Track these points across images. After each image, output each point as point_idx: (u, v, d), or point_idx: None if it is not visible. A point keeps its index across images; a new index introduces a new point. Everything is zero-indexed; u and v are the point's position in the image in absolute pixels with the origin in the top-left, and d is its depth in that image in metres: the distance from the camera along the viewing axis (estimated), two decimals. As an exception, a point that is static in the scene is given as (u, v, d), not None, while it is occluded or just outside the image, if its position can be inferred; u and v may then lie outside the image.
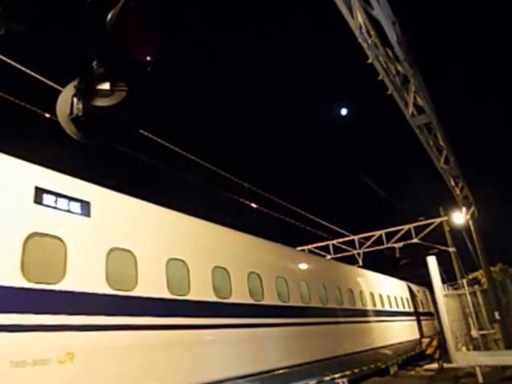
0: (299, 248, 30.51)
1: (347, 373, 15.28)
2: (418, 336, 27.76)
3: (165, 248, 9.99)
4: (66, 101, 3.52)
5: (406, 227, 29.24)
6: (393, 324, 24.48)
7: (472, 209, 21.59)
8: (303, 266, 17.17)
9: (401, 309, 26.83)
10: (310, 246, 32.70)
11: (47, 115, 11.45)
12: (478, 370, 16.58)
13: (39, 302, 6.90)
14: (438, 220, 28.78)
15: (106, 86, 3.35)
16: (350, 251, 31.88)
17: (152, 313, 8.92)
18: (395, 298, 26.09)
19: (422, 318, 31.22)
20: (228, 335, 10.94)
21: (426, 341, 21.69)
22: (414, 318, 29.35)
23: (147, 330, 8.64)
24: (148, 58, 3.34)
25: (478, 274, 23.79)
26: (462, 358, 18.42)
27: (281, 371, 12.20)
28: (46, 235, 7.42)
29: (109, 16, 3.13)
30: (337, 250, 32.17)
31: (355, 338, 19.03)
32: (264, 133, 36.91)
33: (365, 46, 10.43)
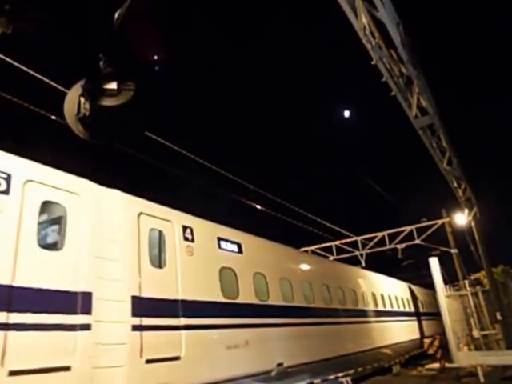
0: (302, 249, 30.62)
1: (350, 372, 15.43)
2: (420, 336, 27.97)
3: (279, 271, 14.52)
4: (74, 100, 3.54)
5: (408, 228, 29.28)
6: (396, 324, 24.69)
7: (474, 210, 21.66)
8: (314, 270, 18.32)
9: (403, 309, 27.04)
10: (313, 247, 32.76)
11: (53, 117, 11.62)
12: (479, 370, 16.60)
13: (231, 310, 11.34)
14: (440, 221, 28.82)
15: (112, 85, 3.36)
16: (352, 252, 31.97)
17: (278, 314, 13.33)
18: (396, 299, 26.41)
19: (427, 318, 31.54)
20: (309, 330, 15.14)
21: (427, 341, 21.69)
22: (418, 318, 29.59)
23: (279, 327, 13.13)
24: (155, 57, 3.36)
25: (480, 274, 23.84)
26: (464, 357, 18.50)
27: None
28: (227, 268, 11.74)
29: (116, 15, 3.15)
30: (340, 250, 32.24)
31: (362, 338, 19.87)
32: (268, 135, 36.99)
33: (369, 47, 10.46)
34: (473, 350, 19.31)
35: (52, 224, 8.23)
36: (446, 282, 22.62)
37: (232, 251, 12.27)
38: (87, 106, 3.41)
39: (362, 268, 28.17)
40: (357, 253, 31.69)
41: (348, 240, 32.12)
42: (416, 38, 11.07)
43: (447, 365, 19.96)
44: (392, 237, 30.16)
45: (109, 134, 3.76)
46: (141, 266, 8.91)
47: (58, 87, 10.30)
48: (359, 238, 31.83)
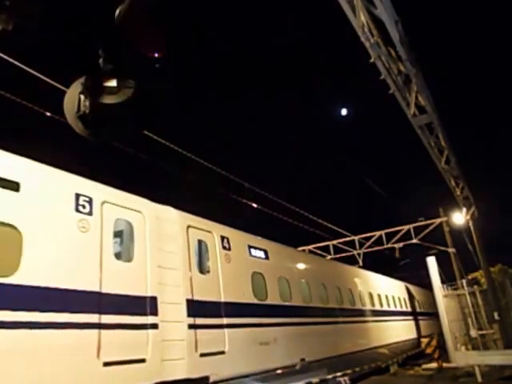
0: (300, 248, 30.53)
1: (348, 371, 15.51)
2: (418, 335, 27.99)
3: (298, 274, 16.23)
4: (73, 98, 3.50)
5: (405, 228, 29.25)
6: (395, 324, 24.77)
7: (472, 209, 21.61)
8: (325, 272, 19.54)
9: (401, 309, 27.07)
10: (310, 247, 32.69)
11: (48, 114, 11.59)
12: (476, 370, 16.57)
13: (262, 311, 12.77)
14: (437, 220, 28.79)
15: (113, 83, 3.34)
16: (350, 251, 31.90)
17: (299, 314, 14.87)
18: (395, 299, 26.49)
19: (425, 317, 31.64)
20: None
21: (425, 340, 21.70)
22: (415, 317, 29.64)
23: (299, 326, 14.62)
24: (156, 55, 3.32)
25: (478, 274, 23.78)
26: (461, 357, 18.43)
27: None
28: (257, 273, 13.23)
29: (117, 11, 3.11)
30: (337, 250, 32.17)
31: (367, 336, 20.85)
32: (265, 132, 36.89)
33: (367, 45, 10.43)
34: (470, 349, 19.27)
35: (123, 238, 9.48)
36: (443, 282, 22.60)
37: (260, 257, 13.81)
38: (87, 103, 3.39)
39: (359, 267, 28.17)
40: (354, 252, 31.64)
41: (345, 239, 32.06)
42: (415, 36, 11.02)
43: (445, 364, 19.97)
44: (389, 236, 30.15)
45: (109, 131, 3.73)
46: (192, 273, 10.40)
47: (58, 86, 10.24)
48: (356, 238, 31.77)
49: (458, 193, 20.35)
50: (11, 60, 9.77)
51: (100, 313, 7.77)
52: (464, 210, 21.85)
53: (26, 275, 6.95)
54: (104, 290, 8.01)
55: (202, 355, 9.76)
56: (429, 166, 18.00)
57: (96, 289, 7.89)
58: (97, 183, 8.96)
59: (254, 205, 23.55)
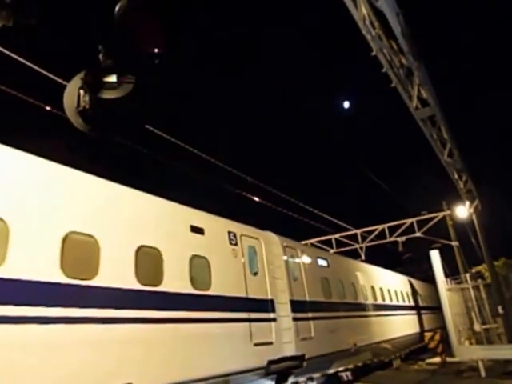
0: (302, 242, 30.40)
1: (350, 366, 15.59)
2: (421, 330, 27.95)
3: (349, 277, 19.56)
4: (73, 93, 3.50)
5: (408, 221, 29.07)
6: (399, 318, 24.77)
7: (476, 202, 21.46)
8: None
9: (407, 303, 27.11)
10: (312, 240, 32.56)
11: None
12: (480, 364, 16.53)
13: (328, 306, 16.29)
14: (440, 214, 28.61)
15: (112, 78, 3.34)
16: (352, 245, 31.77)
17: (350, 309, 18.20)
18: (401, 293, 26.60)
19: (428, 311, 31.58)
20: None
21: (428, 335, 21.61)
22: (419, 312, 29.58)
23: (351, 318, 18.15)
24: (156, 50, 3.30)
25: (482, 268, 23.68)
26: (465, 352, 18.38)
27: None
28: (323, 278, 16.74)
29: (117, 7, 3.11)
30: (339, 244, 32.05)
31: (393, 327, 23.09)
32: (268, 127, 36.81)
33: (369, 37, 10.37)
34: (474, 344, 19.18)
35: (252, 259, 12.76)
36: (446, 276, 22.50)
37: (324, 266, 17.53)
38: (87, 98, 3.40)
39: (362, 261, 28.06)
40: (357, 246, 31.51)
41: (348, 233, 31.93)
42: (417, 28, 10.90)
43: (448, 359, 19.92)
44: (392, 230, 29.94)
45: (109, 127, 3.74)
46: (290, 281, 14.12)
47: (58, 80, 10.17)
48: (359, 231, 31.61)
49: (462, 186, 20.21)
50: (10, 54, 9.70)
51: (249, 311, 11.58)
52: (467, 203, 21.70)
53: (214, 288, 10.73)
54: (249, 296, 11.85)
55: (302, 340, 13.50)
56: (432, 159, 17.89)
57: (245, 295, 11.74)
58: (234, 222, 12.83)
59: (256, 198, 23.49)
